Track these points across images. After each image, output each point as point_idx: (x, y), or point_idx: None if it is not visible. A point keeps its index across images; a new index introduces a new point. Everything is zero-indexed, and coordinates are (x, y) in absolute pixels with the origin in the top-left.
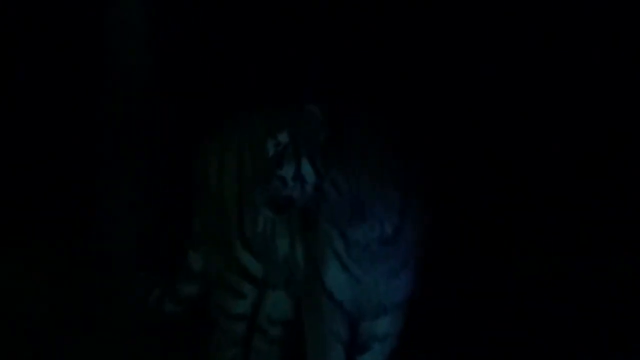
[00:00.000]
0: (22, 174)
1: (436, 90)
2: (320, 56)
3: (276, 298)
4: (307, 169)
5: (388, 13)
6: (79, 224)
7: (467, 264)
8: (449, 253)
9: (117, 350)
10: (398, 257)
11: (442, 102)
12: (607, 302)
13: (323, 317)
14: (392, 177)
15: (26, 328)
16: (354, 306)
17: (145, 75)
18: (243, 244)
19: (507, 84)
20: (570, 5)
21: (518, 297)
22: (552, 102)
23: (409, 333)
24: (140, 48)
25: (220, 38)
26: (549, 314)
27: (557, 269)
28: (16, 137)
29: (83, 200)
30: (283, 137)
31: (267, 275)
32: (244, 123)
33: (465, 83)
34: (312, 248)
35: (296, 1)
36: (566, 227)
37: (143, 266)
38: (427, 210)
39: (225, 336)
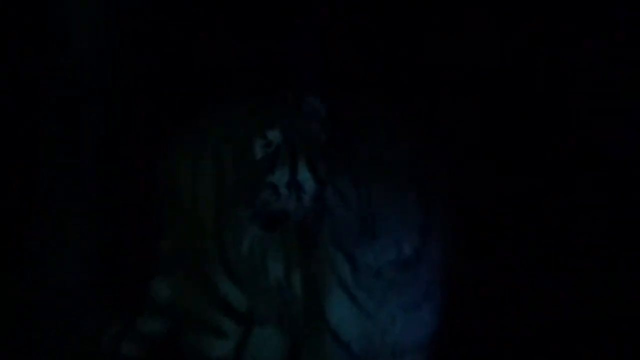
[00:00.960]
0: None
1: (464, 78)
2: (318, 34)
3: (266, 337)
4: (305, 175)
5: None
6: (11, 242)
7: (505, 291)
8: (482, 278)
9: None
10: (419, 286)
11: (471, 93)
12: None
13: None
14: (411, 184)
15: None
16: (364, 348)
17: (97, 63)
18: (224, 270)
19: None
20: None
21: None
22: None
23: None
24: (89, 30)
25: (190, 12)
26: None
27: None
28: None
29: (17, 214)
30: (274, 136)
31: (254, 308)
32: (223, 118)
33: (495, 72)
34: (312, 275)
35: None
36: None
37: (94, 298)
38: (455, 225)
39: None
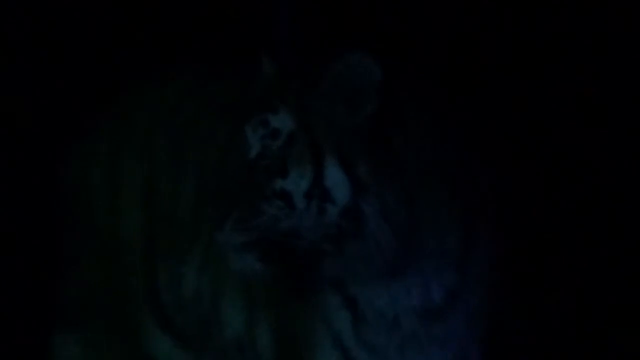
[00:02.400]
0: None
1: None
2: None
3: None
4: (336, 178)
5: None
6: None
7: (561, 351)
8: (533, 331)
9: None
10: (450, 343)
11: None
12: None
13: None
14: (452, 203)
15: None
16: None
17: None
18: (157, 320)
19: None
20: None
21: None
22: None
23: None
24: None
25: None
26: None
27: None
28: None
29: None
30: (281, 121)
31: None
32: (161, 96)
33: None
34: (289, 328)
35: None
36: None
37: None
38: (500, 260)
39: None
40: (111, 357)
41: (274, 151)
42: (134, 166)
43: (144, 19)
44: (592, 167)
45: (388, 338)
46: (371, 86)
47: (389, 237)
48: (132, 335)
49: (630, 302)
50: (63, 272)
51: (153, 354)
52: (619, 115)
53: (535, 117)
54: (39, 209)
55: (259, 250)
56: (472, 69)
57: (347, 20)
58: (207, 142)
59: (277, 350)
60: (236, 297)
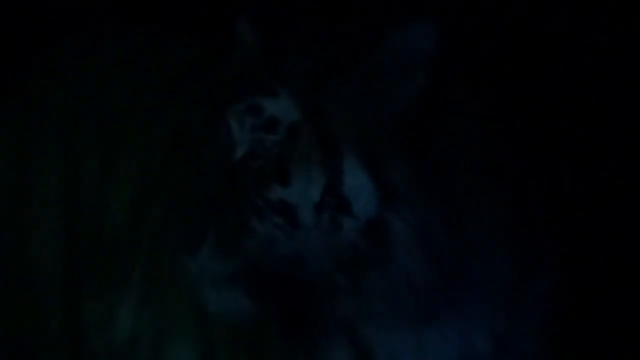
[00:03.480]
0: None
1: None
2: None
3: None
4: (359, 183)
5: None
6: None
7: None
8: None
9: None
10: None
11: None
12: None
13: None
14: (508, 218)
15: None
16: None
17: None
18: None
19: None
20: None
21: None
22: None
23: None
24: None
25: None
26: None
27: None
28: None
29: None
30: (281, 108)
31: None
32: (94, 60)
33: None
34: None
35: None
36: None
37: None
38: (557, 301)
39: None
40: None
41: (270, 148)
42: (48, 165)
43: None
44: None
45: None
46: (420, 64)
47: (424, 266)
48: None
49: None
50: None
51: None
52: None
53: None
54: None
55: (247, 284)
56: (545, 60)
57: None
58: (159, 132)
59: None
60: (189, 340)
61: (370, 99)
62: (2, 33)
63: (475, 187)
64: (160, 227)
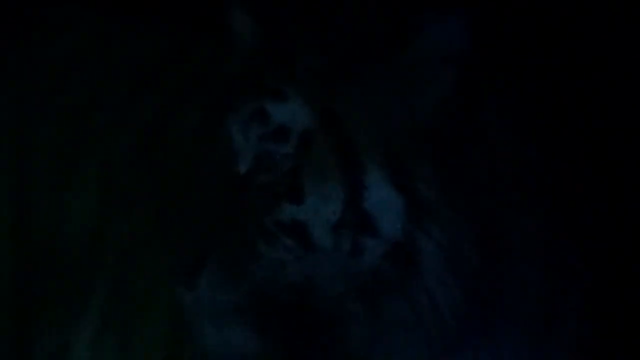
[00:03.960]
0: None
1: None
2: None
3: None
4: (384, 197)
5: None
6: None
7: None
8: None
9: None
10: None
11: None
12: None
13: None
14: (541, 242)
15: None
16: None
17: None
18: None
19: None
20: None
21: None
22: None
23: None
24: None
25: None
26: None
27: None
28: None
29: None
30: (291, 113)
31: None
32: (54, 49)
33: None
34: None
35: None
36: None
37: None
38: (591, 335)
39: None
40: None
41: (279, 161)
42: None
43: None
44: None
45: None
46: (450, 64)
47: (453, 291)
48: None
49: None
50: None
51: None
52: None
53: None
54: None
55: (252, 316)
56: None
57: None
58: (127, 133)
59: None
60: None
61: (394, 103)
62: None
63: (509, 203)
64: (127, 244)
